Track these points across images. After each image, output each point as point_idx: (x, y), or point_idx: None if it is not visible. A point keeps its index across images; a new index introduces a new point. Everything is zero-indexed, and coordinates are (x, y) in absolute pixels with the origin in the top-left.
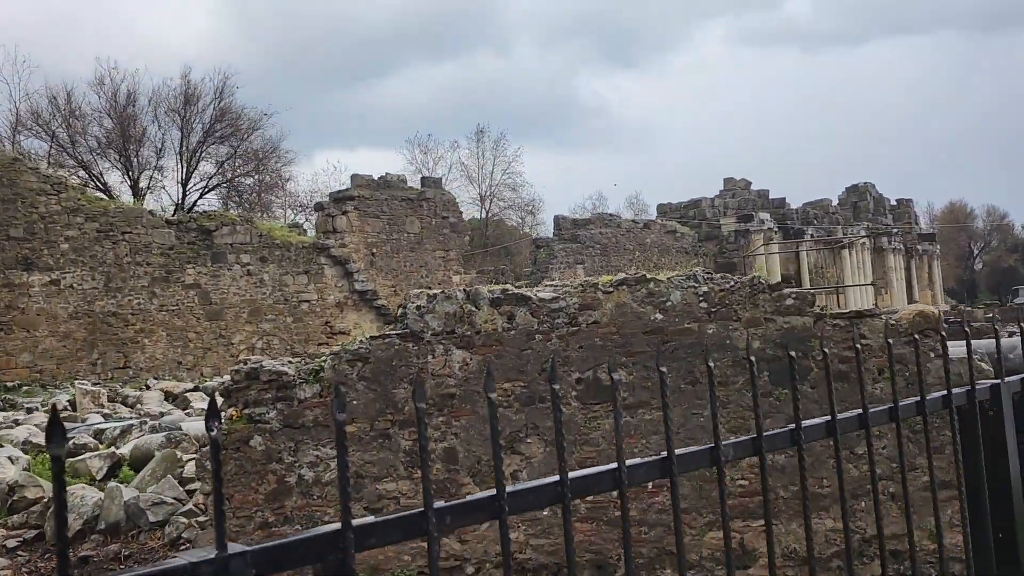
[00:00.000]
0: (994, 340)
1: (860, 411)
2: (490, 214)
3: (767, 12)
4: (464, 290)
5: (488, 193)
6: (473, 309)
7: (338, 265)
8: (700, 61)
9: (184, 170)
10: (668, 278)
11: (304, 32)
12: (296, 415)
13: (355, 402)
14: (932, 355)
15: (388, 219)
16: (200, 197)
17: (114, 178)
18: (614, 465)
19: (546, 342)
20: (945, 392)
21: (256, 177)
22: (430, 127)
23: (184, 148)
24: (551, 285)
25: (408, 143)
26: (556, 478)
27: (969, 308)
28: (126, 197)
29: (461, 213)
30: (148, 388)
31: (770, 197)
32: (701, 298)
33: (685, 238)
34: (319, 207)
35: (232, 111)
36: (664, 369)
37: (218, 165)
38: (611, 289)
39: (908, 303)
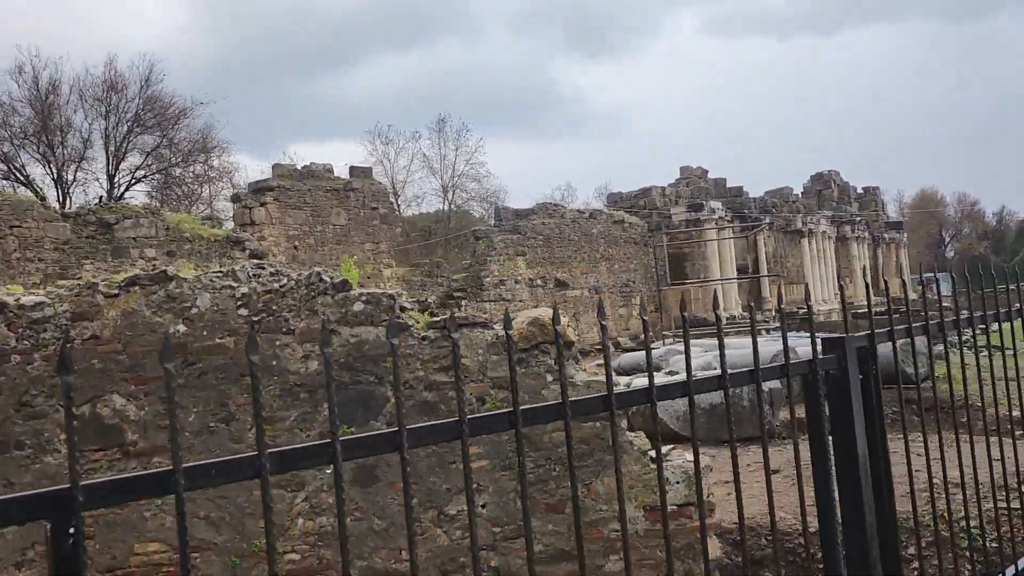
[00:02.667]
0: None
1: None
2: (453, 205)
3: (738, 1)
4: None
5: (451, 184)
6: None
7: (254, 259)
8: (673, 49)
9: (112, 162)
10: (196, 276)
11: (269, 22)
12: None
13: None
14: (549, 376)
15: (312, 211)
16: (126, 190)
17: (38, 171)
18: None
19: (26, 365)
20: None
21: (187, 168)
22: (401, 117)
23: (110, 138)
24: (39, 293)
25: (369, 134)
26: None
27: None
28: (51, 191)
29: (392, 204)
30: None
31: (727, 185)
32: (240, 302)
33: (634, 228)
34: (236, 198)
35: (162, 100)
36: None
37: (144, 156)
38: (117, 291)
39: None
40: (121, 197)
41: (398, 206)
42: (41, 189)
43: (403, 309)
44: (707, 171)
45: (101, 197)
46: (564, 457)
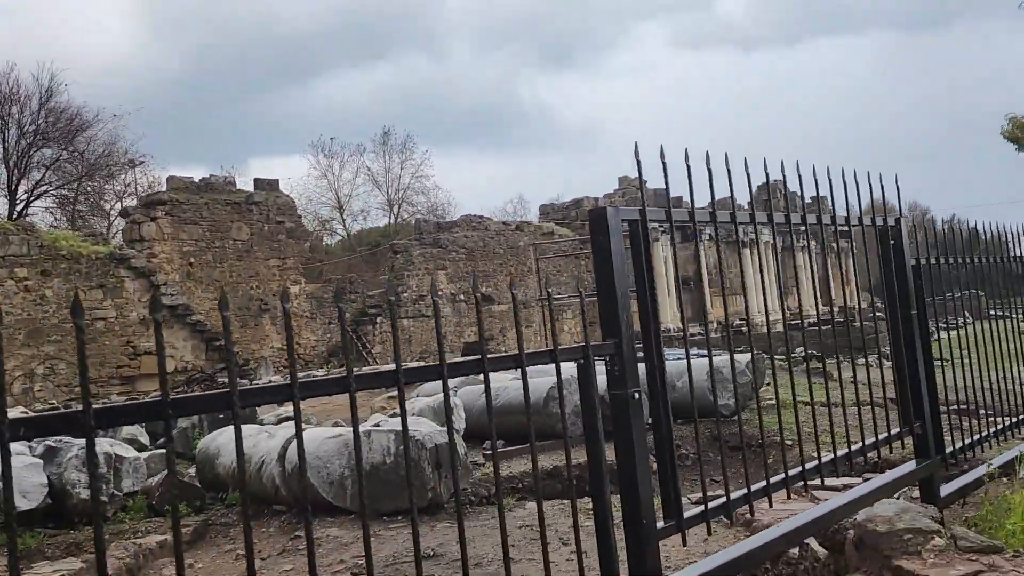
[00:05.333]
0: None
1: None
2: (399, 219)
3: (701, 12)
4: None
5: (397, 198)
6: None
7: (142, 277)
8: (639, 62)
9: (12, 177)
10: None
11: (231, 35)
12: None
13: None
14: None
15: (210, 225)
16: (26, 206)
17: None
18: None
19: None
20: None
21: (96, 184)
22: (364, 132)
23: (10, 152)
24: None
25: (313, 147)
26: None
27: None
28: None
29: (300, 217)
30: None
31: (670, 195)
32: None
33: (565, 240)
34: (124, 213)
35: (68, 111)
36: None
37: (43, 171)
38: None
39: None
40: (22, 214)
41: (343, 219)
42: None
43: None
44: (646, 181)
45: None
46: None
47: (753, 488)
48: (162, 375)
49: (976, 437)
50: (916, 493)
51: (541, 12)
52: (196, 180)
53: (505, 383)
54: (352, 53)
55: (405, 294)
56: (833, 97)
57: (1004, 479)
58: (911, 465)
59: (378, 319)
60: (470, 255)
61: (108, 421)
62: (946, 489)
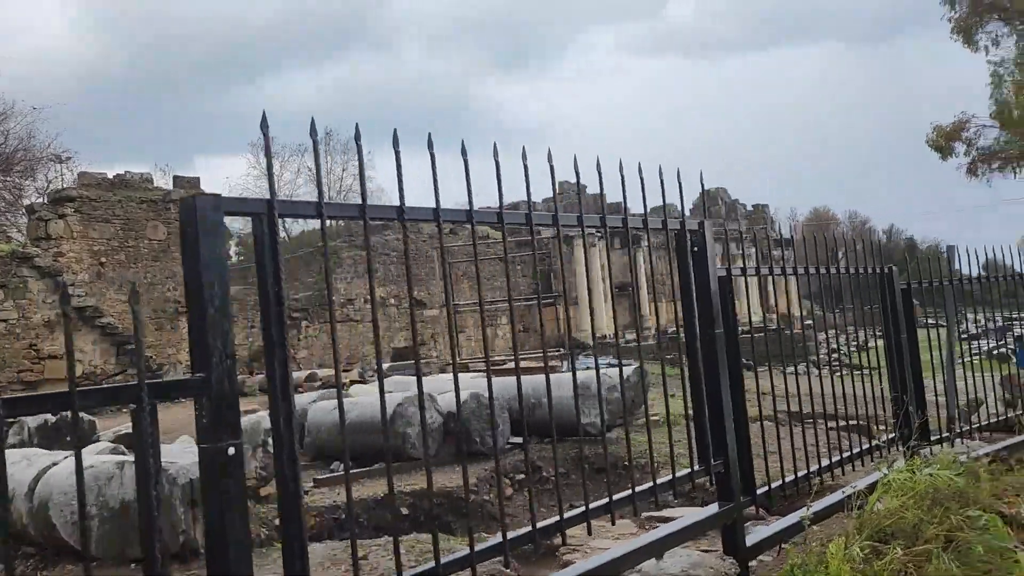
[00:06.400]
0: None
1: None
2: (340, 221)
3: (652, 19)
4: None
5: (339, 199)
6: None
7: (48, 277)
8: (592, 66)
9: None
10: None
11: (177, 32)
12: None
13: None
14: None
15: (123, 224)
16: None
17: None
18: None
19: None
20: None
21: (8, 179)
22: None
23: None
24: None
25: (252, 147)
26: None
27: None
28: None
29: (224, 216)
30: None
31: (608, 201)
32: None
33: (499, 244)
34: (30, 210)
35: None
36: None
37: None
38: None
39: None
40: None
41: (283, 221)
42: None
43: None
44: (586, 187)
45: None
46: None
47: (542, 525)
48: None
49: (807, 471)
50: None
51: (493, 15)
52: (110, 177)
53: (356, 399)
54: (302, 52)
55: (333, 297)
56: (780, 106)
57: (836, 518)
58: (713, 508)
59: (303, 323)
60: (402, 258)
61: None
62: (756, 536)
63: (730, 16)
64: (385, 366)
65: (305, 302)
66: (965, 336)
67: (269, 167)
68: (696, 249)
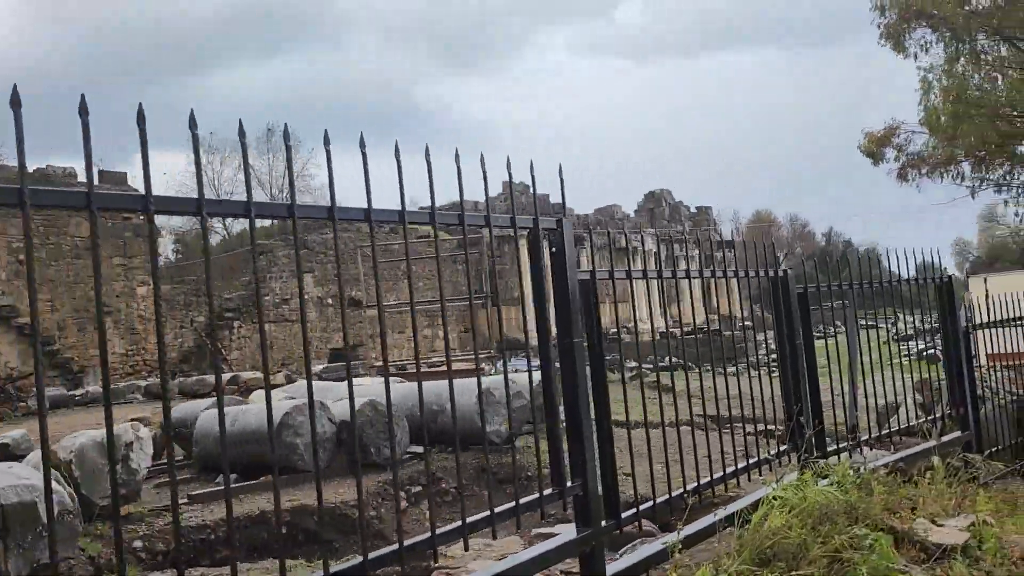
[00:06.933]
0: None
1: None
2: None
3: (600, 21)
4: None
5: (281, 197)
6: None
7: None
8: (541, 67)
9: None
10: None
11: (121, 25)
12: None
13: None
14: None
15: (44, 220)
16: None
17: None
18: None
19: None
20: None
21: None
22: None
23: None
24: None
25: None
26: None
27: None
28: None
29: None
30: None
31: (551, 202)
32: None
33: (442, 244)
34: None
35: None
36: None
37: None
38: None
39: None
40: None
41: (223, 218)
42: None
43: None
44: (528, 186)
45: None
46: None
47: (410, 542)
48: None
49: (698, 483)
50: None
51: (442, 13)
52: (30, 171)
53: (247, 406)
54: (251, 45)
55: (267, 297)
56: (727, 109)
57: (722, 537)
58: (572, 533)
59: (235, 323)
60: (340, 257)
61: None
62: (617, 566)
63: (678, 20)
64: (320, 367)
65: (238, 302)
66: (896, 338)
67: (198, 166)
68: (554, 250)
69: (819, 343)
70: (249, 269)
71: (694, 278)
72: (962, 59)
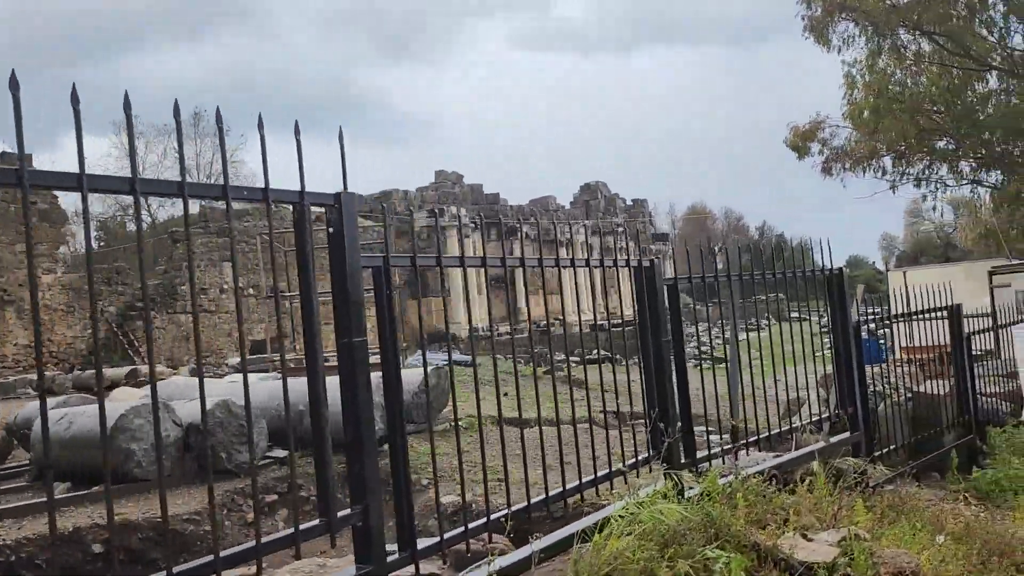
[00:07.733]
0: None
1: None
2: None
3: (538, 14)
4: None
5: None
6: None
7: None
8: (479, 59)
9: None
10: None
11: (42, 3)
12: None
13: None
14: None
15: None
16: None
17: None
18: None
19: None
20: None
21: None
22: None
23: None
24: None
25: (114, 125)
26: None
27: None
28: None
29: (57, 198)
30: None
31: (484, 192)
32: None
33: (370, 233)
34: None
35: None
36: None
37: None
38: None
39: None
40: None
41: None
42: None
43: None
44: (462, 176)
45: None
46: None
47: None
48: None
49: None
50: None
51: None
52: None
53: (82, 407)
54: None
55: (184, 287)
56: (660, 104)
57: (562, 560)
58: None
59: (151, 313)
60: (265, 246)
61: None
62: None
63: (612, 15)
64: (236, 361)
65: (153, 291)
66: (826, 331)
67: (131, 147)
68: (332, 231)
69: (752, 336)
70: (166, 257)
71: (531, 267)
72: (884, 54)
